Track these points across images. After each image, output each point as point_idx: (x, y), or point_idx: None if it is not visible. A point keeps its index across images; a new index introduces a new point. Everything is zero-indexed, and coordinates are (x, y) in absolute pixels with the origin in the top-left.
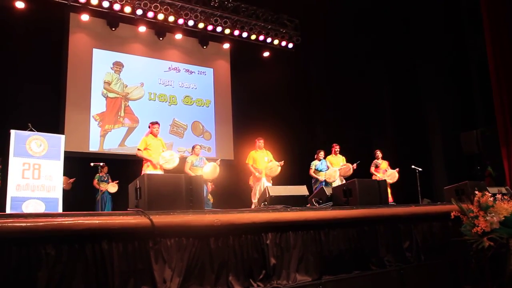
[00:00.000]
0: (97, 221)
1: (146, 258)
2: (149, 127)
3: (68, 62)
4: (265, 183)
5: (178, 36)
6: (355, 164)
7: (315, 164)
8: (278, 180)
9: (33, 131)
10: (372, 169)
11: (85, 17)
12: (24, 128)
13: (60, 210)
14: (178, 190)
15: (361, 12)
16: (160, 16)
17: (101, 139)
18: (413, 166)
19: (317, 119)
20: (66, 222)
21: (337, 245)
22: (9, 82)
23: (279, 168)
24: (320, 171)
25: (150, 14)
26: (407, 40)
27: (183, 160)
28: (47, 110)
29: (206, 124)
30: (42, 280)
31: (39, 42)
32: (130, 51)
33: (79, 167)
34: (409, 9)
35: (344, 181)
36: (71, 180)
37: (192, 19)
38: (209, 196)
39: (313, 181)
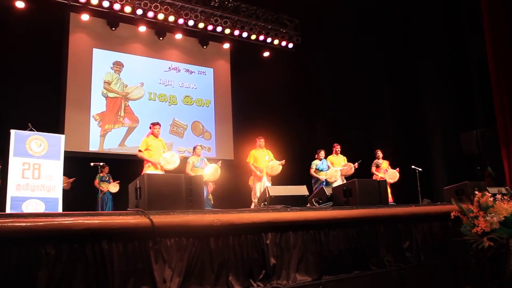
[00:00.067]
0: (97, 221)
1: (146, 258)
2: (150, 127)
3: (68, 62)
4: (266, 182)
5: (178, 36)
6: (356, 164)
7: (316, 163)
8: (278, 180)
9: (33, 131)
10: (373, 169)
11: (85, 17)
12: (24, 128)
13: (60, 210)
14: (178, 190)
15: (361, 12)
16: (160, 16)
17: (101, 139)
18: (413, 166)
19: (317, 119)
20: (66, 222)
21: (337, 245)
22: (9, 82)
23: (280, 167)
24: (321, 170)
25: (150, 14)
26: (407, 40)
27: (184, 161)
28: (47, 110)
29: (206, 124)
30: (42, 280)
31: (39, 42)
32: (130, 51)
33: (79, 167)
34: (409, 9)
35: (345, 181)
36: (71, 180)
37: (192, 19)
38: (210, 196)
39: (313, 181)
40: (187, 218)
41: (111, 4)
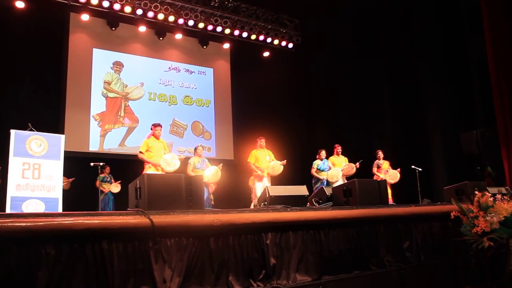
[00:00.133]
0: (97, 221)
1: (146, 258)
2: (151, 129)
3: (68, 62)
4: (266, 182)
5: (178, 36)
6: (357, 163)
7: (317, 163)
8: (278, 180)
9: (33, 131)
10: (374, 169)
11: (85, 17)
12: (24, 128)
13: (60, 210)
14: (178, 190)
15: (361, 12)
16: (160, 16)
17: (101, 139)
18: (413, 166)
19: (317, 119)
20: (66, 222)
21: (337, 245)
22: (9, 82)
23: (282, 167)
24: (322, 170)
25: (150, 14)
26: (407, 40)
27: (185, 162)
28: (47, 110)
29: (206, 124)
30: (42, 280)
31: (39, 42)
32: (130, 51)
33: (79, 167)
34: (409, 9)
35: (346, 181)
36: (70, 179)
37: (192, 19)
38: (211, 197)
39: (313, 181)
40: (187, 218)
41: (111, 4)
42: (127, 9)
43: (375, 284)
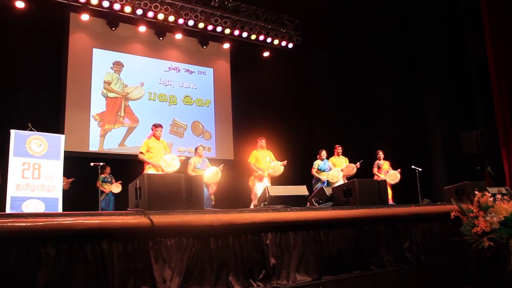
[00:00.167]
0: (97, 221)
1: (146, 258)
2: (152, 129)
3: (68, 62)
4: (267, 182)
5: (178, 36)
6: (358, 163)
7: (318, 163)
8: (278, 180)
9: (33, 131)
10: (375, 170)
11: (85, 17)
12: (24, 128)
13: (60, 210)
14: (178, 190)
15: (361, 12)
16: (160, 16)
17: (101, 139)
18: (413, 166)
19: (317, 119)
20: (66, 222)
21: (337, 245)
22: (9, 82)
23: (282, 167)
24: (323, 171)
25: (150, 14)
26: (407, 40)
27: (185, 162)
28: (47, 110)
29: (206, 124)
30: (42, 280)
31: (39, 42)
32: (130, 51)
33: (79, 167)
34: (409, 9)
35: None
36: (70, 180)
37: (192, 19)
38: (212, 197)
39: (313, 181)
40: (187, 218)
41: (111, 4)
42: (127, 9)
43: (375, 284)
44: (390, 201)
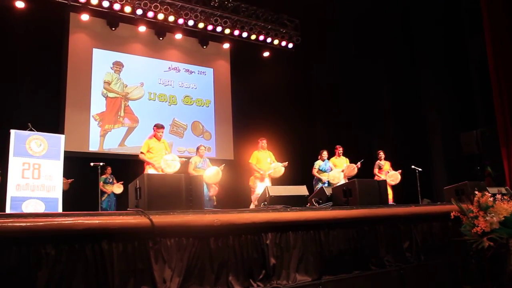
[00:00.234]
0: (97, 221)
1: (146, 258)
2: (153, 130)
3: (68, 62)
4: (267, 183)
5: (178, 36)
6: (359, 163)
7: (319, 164)
8: (278, 180)
9: (33, 131)
10: (376, 170)
11: (85, 17)
12: (24, 128)
13: (60, 210)
14: (178, 190)
15: (361, 12)
16: (160, 16)
17: (101, 139)
18: (413, 166)
19: (317, 119)
20: (66, 222)
21: (337, 245)
22: (9, 82)
23: (283, 169)
24: (324, 171)
25: (150, 14)
26: (407, 40)
27: (186, 162)
28: (47, 110)
29: (206, 124)
30: (42, 280)
31: (39, 42)
32: (130, 51)
33: (79, 167)
34: (409, 9)
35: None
36: (69, 180)
37: (192, 19)
38: (214, 198)
39: (314, 182)
40: (187, 218)
41: (111, 4)
42: (127, 9)
43: (375, 284)
44: (391, 201)
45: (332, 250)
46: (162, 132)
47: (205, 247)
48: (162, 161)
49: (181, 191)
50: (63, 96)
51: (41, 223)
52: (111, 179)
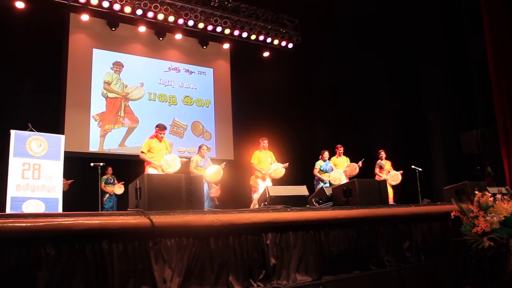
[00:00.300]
0: (97, 221)
1: (146, 258)
2: (155, 130)
3: (68, 62)
4: (269, 183)
5: (178, 36)
6: (360, 162)
7: (320, 164)
8: (278, 180)
9: (33, 131)
10: (377, 170)
11: (85, 17)
12: (24, 128)
13: (60, 210)
14: (178, 190)
15: (361, 12)
16: (160, 16)
17: (101, 139)
18: (413, 166)
19: (317, 119)
20: (66, 222)
21: (337, 245)
22: (9, 82)
23: (284, 170)
24: (325, 171)
25: (150, 14)
26: (407, 40)
27: (186, 162)
28: (47, 110)
29: (206, 124)
30: (42, 280)
31: (39, 42)
32: (130, 51)
33: (79, 167)
34: (409, 9)
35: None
36: (69, 181)
37: (192, 19)
38: (215, 198)
39: (315, 182)
40: (187, 218)
41: (111, 4)
42: (127, 9)
43: (375, 284)
44: (391, 201)
45: (332, 250)
46: (164, 134)
47: (205, 247)
48: (163, 160)
49: (181, 191)
50: (63, 96)
51: (41, 223)
52: (112, 180)
